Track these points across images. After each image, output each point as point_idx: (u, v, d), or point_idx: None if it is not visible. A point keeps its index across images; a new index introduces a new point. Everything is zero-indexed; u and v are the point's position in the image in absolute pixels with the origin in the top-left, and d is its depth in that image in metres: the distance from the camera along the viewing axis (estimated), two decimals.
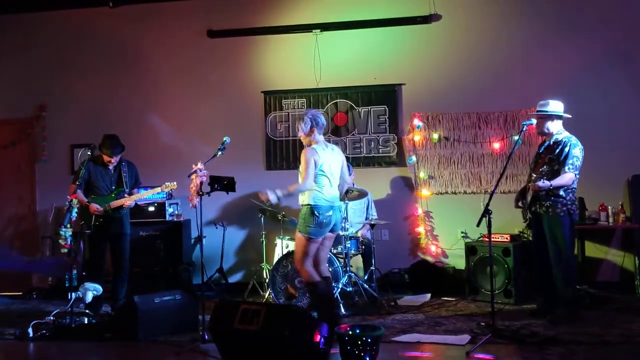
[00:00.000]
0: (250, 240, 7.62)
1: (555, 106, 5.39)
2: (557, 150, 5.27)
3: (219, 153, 5.26)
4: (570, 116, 5.42)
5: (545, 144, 5.44)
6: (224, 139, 5.34)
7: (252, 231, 7.55)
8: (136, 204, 6.54)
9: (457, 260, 7.08)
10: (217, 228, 7.37)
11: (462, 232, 6.93)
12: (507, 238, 6.33)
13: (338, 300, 5.72)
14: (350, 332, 4.07)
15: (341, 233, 5.88)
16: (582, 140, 5.34)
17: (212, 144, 6.83)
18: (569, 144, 5.24)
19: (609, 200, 6.64)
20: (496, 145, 7.14)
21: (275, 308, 4.24)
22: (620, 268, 6.82)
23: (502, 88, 7.21)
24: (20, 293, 7.56)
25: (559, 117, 5.37)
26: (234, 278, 7.61)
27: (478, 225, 4.87)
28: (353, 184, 6.49)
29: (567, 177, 5.17)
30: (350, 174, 6.52)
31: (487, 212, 4.77)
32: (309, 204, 5.15)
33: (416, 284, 6.99)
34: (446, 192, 7.30)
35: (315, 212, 5.12)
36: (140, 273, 7.00)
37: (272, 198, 5.04)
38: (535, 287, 5.84)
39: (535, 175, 5.39)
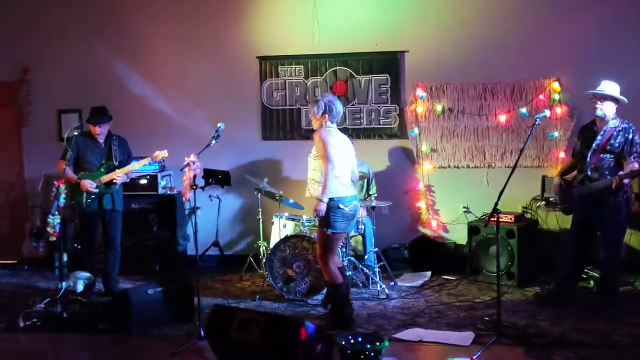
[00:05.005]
0: (246, 213, 7.38)
1: (611, 88, 5.11)
2: (619, 138, 5.03)
3: (213, 142, 4.91)
4: (626, 100, 5.13)
5: (604, 130, 5.10)
6: (218, 125, 4.97)
7: (248, 204, 7.29)
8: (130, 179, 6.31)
9: (458, 236, 6.88)
10: (212, 200, 7.07)
11: (464, 207, 6.74)
12: (511, 219, 6.14)
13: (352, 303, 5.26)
14: (353, 343, 3.93)
15: None
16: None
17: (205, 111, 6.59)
18: (631, 131, 5.04)
19: None
20: (502, 118, 6.82)
21: (274, 318, 4.06)
22: None
23: (509, 58, 6.75)
24: (15, 261, 7.40)
25: (615, 100, 5.10)
26: (230, 251, 7.40)
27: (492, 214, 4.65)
28: None
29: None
30: None
31: (495, 210, 4.60)
32: (331, 198, 4.82)
33: (416, 260, 6.86)
34: (448, 166, 7.00)
35: (341, 205, 4.85)
36: (133, 247, 6.80)
37: (323, 208, 4.77)
38: (539, 270, 5.80)
39: (593, 164, 5.09)
